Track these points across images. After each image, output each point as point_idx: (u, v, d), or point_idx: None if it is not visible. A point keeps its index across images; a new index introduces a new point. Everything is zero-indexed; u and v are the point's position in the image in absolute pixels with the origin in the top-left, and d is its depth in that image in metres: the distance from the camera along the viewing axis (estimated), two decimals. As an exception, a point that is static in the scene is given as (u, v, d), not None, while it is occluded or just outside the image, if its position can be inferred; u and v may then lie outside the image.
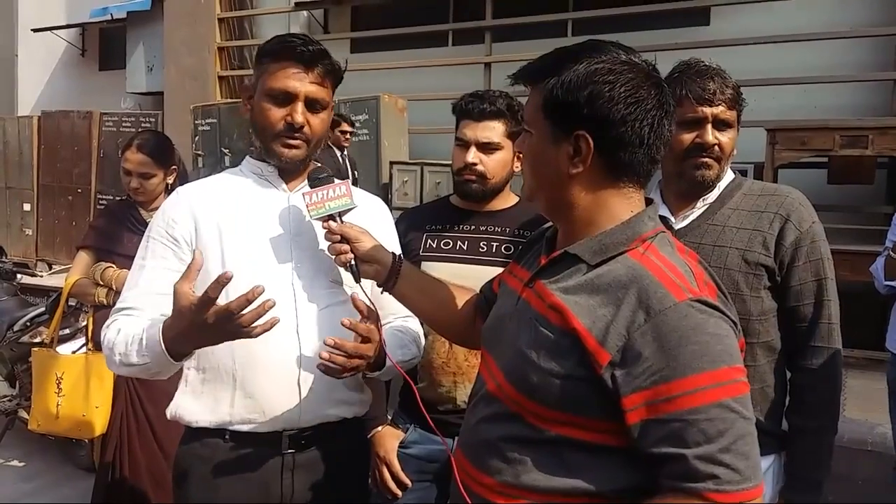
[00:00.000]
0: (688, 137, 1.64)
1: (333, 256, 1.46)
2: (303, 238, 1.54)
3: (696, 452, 0.93)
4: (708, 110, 1.63)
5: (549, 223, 1.27)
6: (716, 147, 1.64)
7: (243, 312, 1.25)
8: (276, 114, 1.48)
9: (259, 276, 1.40)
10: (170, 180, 2.73)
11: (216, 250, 1.48)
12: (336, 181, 1.49)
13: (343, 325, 1.38)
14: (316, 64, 1.49)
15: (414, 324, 1.70)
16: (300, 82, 1.48)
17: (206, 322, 1.27)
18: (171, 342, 1.34)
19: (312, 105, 1.50)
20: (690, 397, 0.93)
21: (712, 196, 1.70)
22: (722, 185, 1.71)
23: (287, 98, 1.48)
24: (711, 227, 1.67)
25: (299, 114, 1.48)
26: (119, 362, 1.44)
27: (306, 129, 1.50)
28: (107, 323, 1.50)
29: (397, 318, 1.68)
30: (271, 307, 1.27)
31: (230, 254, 1.48)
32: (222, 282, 1.24)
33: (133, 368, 1.43)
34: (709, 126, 1.63)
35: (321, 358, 1.38)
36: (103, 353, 1.48)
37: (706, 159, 1.64)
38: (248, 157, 1.63)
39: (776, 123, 4.41)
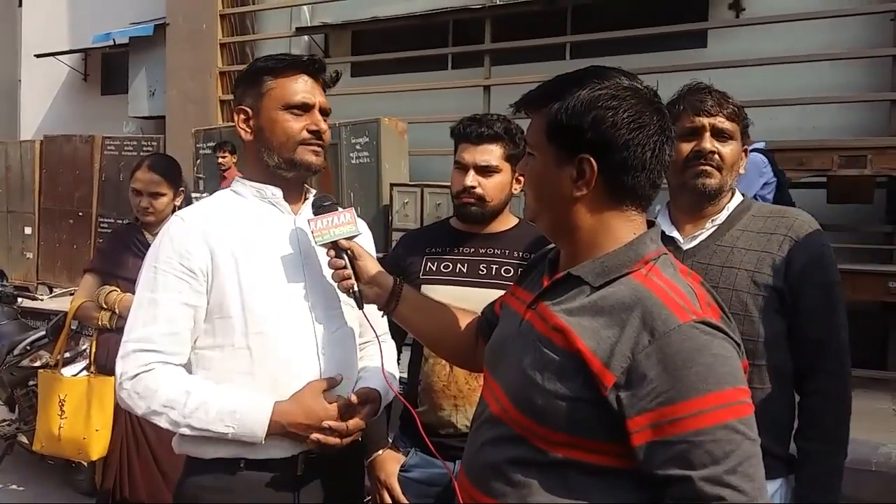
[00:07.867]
0: (686, 147, 1.65)
1: (336, 283, 1.48)
2: (312, 261, 1.55)
3: (702, 474, 0.93)
4: (705, 120, 1.65)
5: (551, 245, 1.27)
6: (715, 155, 1.64)
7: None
8: (297, 124, 1.51)
9: (277, 302, 1.45)
10: (177, 202, 2.74)
11: (233, 278, 1.47)
12: (340, 209, 1.50)
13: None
14: (322, 74, 1.56)
15: (374, 361, 1.68)
16: (314, 92, 1.53)
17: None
18: (275, 427, 1.42)
19: (324, 114, 1.55)
20: (696, 419, 0.93)
21: (721, 217, 1.70)
22: (731, 206, 1.71)
23: (305, 108, 1.52)
24: (720, 248, 1.66)
25: (322, 121, 1.53)
26: (189, 425, 1.41)
27: (325, 135, 1.54)
28: (142, 366, 1.43)
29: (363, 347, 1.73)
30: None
31: (247, 281, 1.47)
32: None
33: (206, 433, 1.41)
34: (706, 135, 1.65)
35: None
36: (151, 407, 1.42)
37: (705, 167, 1.65)
38: (239, 179, 1.61)
39: (775, 144, 4.42)
